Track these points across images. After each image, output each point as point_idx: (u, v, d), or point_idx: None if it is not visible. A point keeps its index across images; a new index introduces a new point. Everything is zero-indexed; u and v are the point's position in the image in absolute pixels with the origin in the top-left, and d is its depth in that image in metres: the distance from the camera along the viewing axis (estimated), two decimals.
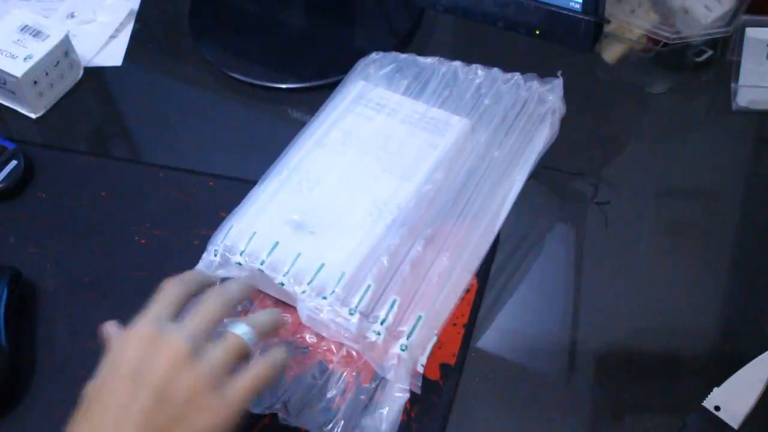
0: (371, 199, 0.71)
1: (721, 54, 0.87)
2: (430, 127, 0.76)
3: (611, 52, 0.89)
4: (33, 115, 0.92)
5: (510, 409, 0.69)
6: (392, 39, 0.94)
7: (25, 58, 0.89)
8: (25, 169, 0.85)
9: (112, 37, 0.99)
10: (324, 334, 0.68)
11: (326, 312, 0.66)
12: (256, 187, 0.75)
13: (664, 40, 0.83)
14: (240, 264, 0.70)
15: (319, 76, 0.91)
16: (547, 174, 0.81)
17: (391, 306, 0.66)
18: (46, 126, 0.92)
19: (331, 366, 0.67)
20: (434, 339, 0.67)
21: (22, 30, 0.91)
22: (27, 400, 0.72)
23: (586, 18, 0.76)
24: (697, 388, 0.67)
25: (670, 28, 0.83)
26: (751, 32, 0.85)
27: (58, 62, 0.91)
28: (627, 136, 0.87)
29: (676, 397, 0.68)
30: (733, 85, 0.85)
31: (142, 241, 0.80)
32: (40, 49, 0.89)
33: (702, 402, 0.66)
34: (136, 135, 0.92)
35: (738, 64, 0.85)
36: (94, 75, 0.96)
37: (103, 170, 0.87)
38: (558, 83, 0.79)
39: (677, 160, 0.84)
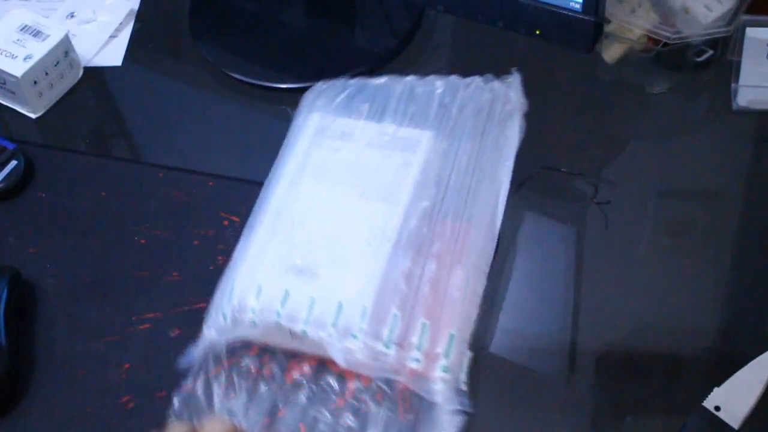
0: (365, 228, 0.70)
1: (722, 54, 0.87)
2: (401, 146, 0.74)
3: (611, 52, 0.89)
4: (33, 115, 0.92)
5: (510, 409, 0.69)
6: (392, 39, 0.94)
7: (24, 58, 0.89)
8: (25, 169, 0.85)
9: (112, 37, 0.99)
10: (363, 373, 0.66)
11: (361, 350, 0.64)
12: (242, 241, 0.72)
13: (665, 40, 0.83)
14: (255, 322, 0.67)
15: (319, 76, 0.91)
16: (547, 174, 0.81)
17: (423, 330, 0.65)
18: (46, 126, 0.92)
19: (364, 407, 0.65)
20: (469, 354, 0.66)
21: (21, 30, 0.91)
22: (27, 400, 0.72)
23: (586, 18, 0.76)
24: (698, 388, 0.67)
25: (671, 28, 0.83)
26: (751, 32, 0.85)
27: (57, 62, 0.91)
28: (627, 136, 0.87)
29: (677, 397, 0.68)
30: (733, 85, 0.85)
31: (142, 241, 0.80)
32: (39, 49, 0.89)
33: (702, 402, 0.66)
34: (136, 135, 0.92)
35: (738, 64, 0.85)
36: (94, 75, 0.96)
37: (103, 170, 0.87)
38: (515, 79, 0.78)
39: (677, 160, 0.84)
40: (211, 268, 0.78)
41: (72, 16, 1.01)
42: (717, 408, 0.66)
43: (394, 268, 0.67)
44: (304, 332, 0.65)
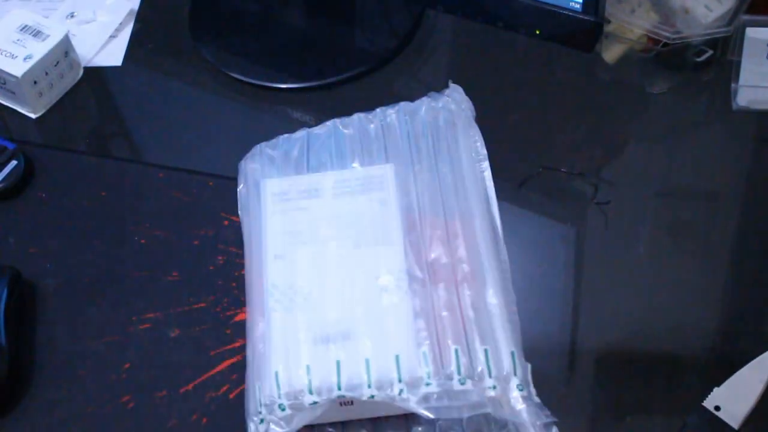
0: (374, 275, 0.68)
1: (722, 54, 0.87)
2: (370, 186, 0.73)
3: (611, 52, 0.89)
4: (33, 115, 0.92)
5: None
6: (392, 39, 0.94)
7: (24, 58, 0.89)
8: (25, 169, 0.85)
9: (112, 37, 0.99)
10: (448, 417, 0.63)
11: (441, 395, 0.62)
12: (256, 332, 0.68)
13: (664, 40, 0.83)
14: (316, 402, 0.63)
15: (319, 76, 0.91)
16: (547, 174, 0.81)
17: (486, 356, 0.64)
18: (46, 126, 0.92)
19: None
20: (529, 367, 0.66)
21: (21, 30, 0.91)
22: (27, 400, 0.72)
23: (586, 18, 0.76)
24: (697, 388, 0.67)
25: (671, 28, 0.83)
26: (751, 32, 0.85)
27: (57, 62, 0.91)
28: (627, 136, 0.87)
29: (676, 397, 0.68)
30: (733, 85, 0.85)
31: (142, 241, 0.80)
32: (39, 49, 0.89)
33: (702, 402, 0.66)
34: (136, 135, 0.92)
35: (738, 64, 0.85)
36: (94, 75, 0.96)
37: (103, 170, 0.87)
38: (457, 89, 0.78)
39: (677, 160, 0.84)
40: (211, 268, 0.78)
41: (72, 16, 1.00)
42: (717, 408, 0.66)
43: (430, 304, 0.66)
44: (372, 396, 0.63)
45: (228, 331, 0.74)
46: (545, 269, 0.77)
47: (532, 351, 0.72)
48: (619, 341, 0.72)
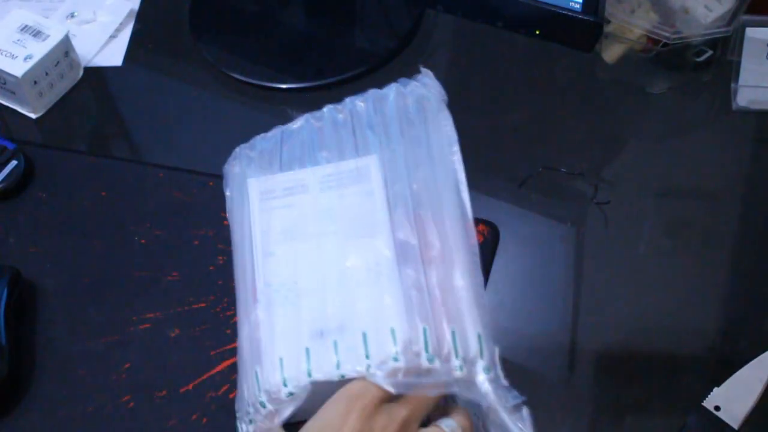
0: (365, 267, 0.67)
1: (721, 54, 0.87)
2: (354, 179, 0.72)
3: (611, 52, 0.89)
4: (33, 115, 0.92)
5: None
6: (392, 39, 0.94)
7: (25, 58, 0.89)
8: (25, 169, 0.85)
9: (112, 37, 0.99)
10: (415, 393, 0.63)
11: (408, 372, 0.62)
12: (240, 328, 0.68)
13: (664, 40, 0.83)
14: (292, 393, 0.63)
15: (319, 76, 0.91)
16: (547, 174, 0.81)
17: (453, 337, 0.63)
18: (46, 126, 0.92)
19: None
20: (497, 350, 0.66)
21: (22, 30, 0.91)
22: (27, 400, 0.72)
23: (586, 18, 0.76)
24: (697, 388, 0.67)
25: (670, 28, 0.83)
26: (751, 32, 0.85)
27: (58, 62, 0.91)
28: (627, 136, 0.87)
29: (676, 397, 0.68)
30: (733, 85, 0.85)
31: (142, 241, 0.80)
32: (40, 49, 0.89)
33: (702, 402, 0.66)
34: (136, 135, 0.92)
35: (738, 64, 0.85)
36: (94, 75, 0.96)
37: (103, 170, 0.87)
38: (428, 74, 0.78)
39: (677, 160, 0.84)
40: (211, 268, 0.78)
41: (72, 16, 1.01)
42: (717, 408, 0.66)
43: (400, 284, 0.66)
44: (342, 376, 0.62)
45: (228, 331, 0.74)
46: (545, 269, 0.77)
47: (531, 351, 0.72)
48: (618, 341, 0.72)
